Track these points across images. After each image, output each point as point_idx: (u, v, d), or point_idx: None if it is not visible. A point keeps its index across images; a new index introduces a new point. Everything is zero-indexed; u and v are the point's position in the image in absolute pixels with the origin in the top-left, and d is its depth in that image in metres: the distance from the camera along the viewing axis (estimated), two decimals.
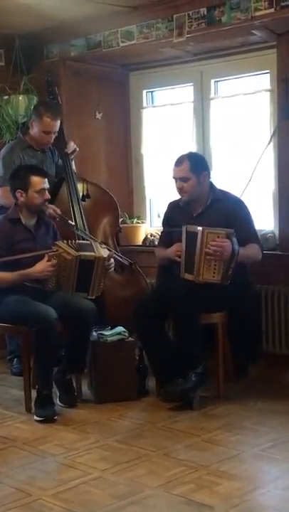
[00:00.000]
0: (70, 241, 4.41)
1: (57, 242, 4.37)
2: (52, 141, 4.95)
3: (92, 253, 4.33)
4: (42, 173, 4.42)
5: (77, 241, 4.48)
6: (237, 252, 4.10)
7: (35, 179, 4.32)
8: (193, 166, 4.33)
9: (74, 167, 5.12)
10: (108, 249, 4.55)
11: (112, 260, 4.50)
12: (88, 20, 5.03)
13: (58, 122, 4.90)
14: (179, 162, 4.37)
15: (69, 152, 5.05)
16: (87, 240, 4.61)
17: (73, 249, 4.29)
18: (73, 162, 5.12)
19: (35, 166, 4.63)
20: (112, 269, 4.54)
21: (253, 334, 4.53)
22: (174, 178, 4.41)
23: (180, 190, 4.39)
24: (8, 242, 4.30)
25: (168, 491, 3.10)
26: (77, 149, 5.10)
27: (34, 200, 4.32)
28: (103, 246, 4.53)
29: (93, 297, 4.35)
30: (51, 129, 4.87)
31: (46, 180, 4.39)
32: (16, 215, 4.39)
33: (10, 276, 4.23)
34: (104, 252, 4.41)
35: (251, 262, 4.38)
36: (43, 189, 4.34)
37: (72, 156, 5.10)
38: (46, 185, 4.38)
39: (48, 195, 4.38)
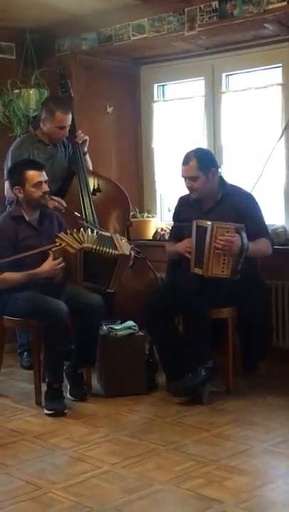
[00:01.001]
0: (81, 230, 4.37)
1: (59, 235, 4.33)
2: (67, 134, 4.97)
3: (116, 251, 4.34)
4: (37, 166, 4.38)
5: (100, 233, 4.47)
6: (246, 247, 4.10)
7: (31, 173, 4.30)
8: (201, 164, 4.31)
9: (89, 161, 5.13)
10: (128, 242, 4.55)
11: (133, 254, 4.50)
12: (99, 13, 5.02)
13: (70, 115, 4.93)
14: (187, 161, 4.34)
15: (79, 142, 5.06)
16: (102, 231, 4.59)
17: (77, 241, 4.29)
18: (87, 157, 5.12)
19: (31, 160, 4.63)
20: (132, 263, 4.54)
21: (263, 329, 4.54)
22: (182, 177, 4.40)
23: (190, 188, 4.39)
24: (13, 241, 4.28)
25: (177, 486, 3.11)
26: (87, 138, 5.10)
27: (32, 195, 4.30)
28: (124, 239, 4.52)
29: (112, 291, 4.39)
30: (65, 124, 4.90)
31: (43, 173, 4.36)
32: (19, 213, 4.37)
33: (19, 276, 4.22)
34: (126, 247, 4.41)
35: (261, 256, 4.38)
36: (40, 182, 4.30)
37: (86, 150, 5.10)
38: (43, 177, 4.34)
39: (45, 188, 4.33)
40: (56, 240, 4.29)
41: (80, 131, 5.07)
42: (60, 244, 4.25)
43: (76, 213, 4.67)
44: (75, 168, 5.02)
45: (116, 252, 4.34)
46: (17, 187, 4.33)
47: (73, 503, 2.97)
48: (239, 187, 4.52)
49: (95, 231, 4.48)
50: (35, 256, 4.24)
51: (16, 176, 4.36)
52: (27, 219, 4.37)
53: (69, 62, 5.37)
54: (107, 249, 4.34)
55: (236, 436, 3.69)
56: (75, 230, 4.39)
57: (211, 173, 4.33)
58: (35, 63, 5.45)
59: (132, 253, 4.51)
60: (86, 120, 5.37)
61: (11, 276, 4.23)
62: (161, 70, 5.62)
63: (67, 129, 4.94)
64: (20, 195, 4.33)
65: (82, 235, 4.35)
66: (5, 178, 4.93)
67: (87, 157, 5.13)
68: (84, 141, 5.09)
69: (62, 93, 5.14)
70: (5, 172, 4.96)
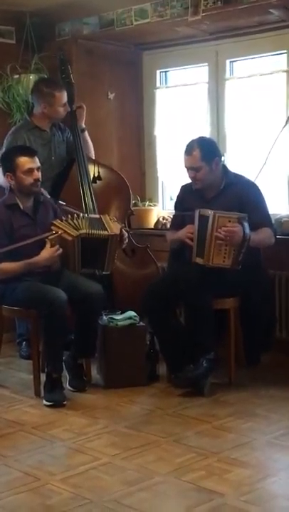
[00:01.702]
0: (74, 216, 4.36)
1: (55, 222, 4.30)
2: (69, 108, 5.02)
3: (105, 231, 4.32)
4: (29, 152, 4.35)
5: (88, 215, 4.45)
6: (248, 237, 4.10)
7: (22, 159, 4.27)
8: (204, 154, 4.28)
9: (88, 140, 5.11)
10: (118, 222, 4.54)
11: (125, 233, 4.49)
12: None
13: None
14: (189, 151, 4.32)
15: (75, 108, 5.06)
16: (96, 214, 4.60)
17: (73, 228, 4.28)
18: (86, 135, 5.09)
19: (23, 146, 4.63)
20: (126, 243, 4.51)
21: (266, 320, 4.53)
22: (185, 167, 4.38)
23: (193, 179, 4.37)
24: (8, 231, 4.27)
25: (178, 478, 3.12)
26: (83, 106, 5.10)
27: (23, 181, 4.27)
28: (113, 219, 4.51)
29: (108, 272, 4.40)
30: (65, 100, 4.98)
31: (36, 159, 4.33)
32: (13, 201, 4.34)
33: (16, 266, 4.20)
34: (116, 227, 4.40)
35: (264, 246, 4.38)
36: (31, 169, 4.26)
37: (83, 126, 5.08)
38: (35, 164, 4.30)
39: (37, 175, 4.29)
40: (52, 227, 4.27)
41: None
42: (56, 232, 4.24)
43: (72, 209, 4.64)
44: (75, 155, 5.01)
45: (106, 232, 4.33)
46: (9, 173, 4.31)
47: (72, 494, 2.98)
48: (242, 176, 4.51)
49: (84, 215, 4.45)
50: (32, 245, 4.23)
51: (8, 163, 4.34)
52: (21, 207, 4.34)
53: (70, 47, 5.36)
54: (99, 231, 4.32)
55: (238, 429, 3.69)
56: (69, 216, 4.37)
57: (214, 163, 4.31)
58: (35, 48, 5.43)
59: (124, 232, 4.49)
60: (87, 106, 5.33)
61: (8, 266, 4.22)
62: (164, 56, 5.60)
63: (67, 104, 5.00)
64: (12, 182, 4.31)
65: (77, 220, 4.33)
66: None
67: (87, 135, 5.11)
68: (80, 108, 5.07)
69: (63, 79, 5.13)
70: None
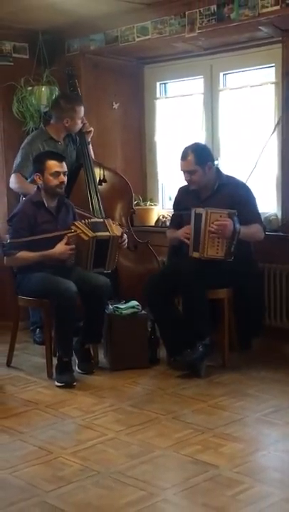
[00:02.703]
0: (86, 220, 4.40)
1: (75, 222, 4.35)
2: (85, 121, 5.02)
3: (107, 232, 4.33)
4: (58, 158, 4.37)
5: (91, 220, 4.46)
6: (238, 230, 4.11)
7: (51, 162, 4.30)
8: (198, 159, 4.29)
9: (91, 151, 5.10)
10: (120, 226, 4.54)
11: (125, 237, 4.49)
12: (106, 16, 4.98)
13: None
14: (184, 156, 4.33)
15: (86, 130, 5.04)
16: (100, 218, 4.60)
17: (90, 230, 4.29)
18: (90, 146, 5.09)
19: (54, 151, 4.61)
20: (126, 245, 4.52)
21: (256, 309, 4.54)
22: (181, 170, 4.38)
23: (189, 181, 4.39)
24: (31, 224, 4.30)
25: (176, 452, 3.13)
26: (92, 130, 5.08)
27: (49, 182, 4.30)
28: (116, 223, 4.52)
29: (109, 271, 4.38)
30: (83, 113, 4.98)
31: (63, 164, 4.35)
32: (39, 198, 4.38)
33: (33, 255, 4.23)
34: (117, 230, 4.40)
35: (253, 240, 4.38)
36: (58, 172, 4.28)
37: (89, 140, 5.07)
38: (62, 168, 4.32)
39: (62, 178, 4.31)
40: (72, 227, 4.30)
41: (87, 123, 5.07)
42: (75, 231, 4.25)
43: (84, 213, 4.65)
44: (82, 160, 5.00)
45: (107, 233, 4.33)
46: (38, 174, 4.33)
47: (81, 466, 2.99)
48: (234, 177, 4.50)
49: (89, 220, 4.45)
50: (50, 240, 4.24)
51: (38, 164, 4.37)
52: (46, 205, 4.36)
53: (78, 62, 5.34)
54: (103, 233, 4.32)
55: (231, 407, 3.70)
56: (88, 220, 4.39)
57: (207, 167, 4.32)
58: (46, 62, 5.41)
59: (125, 236, 4.48)
60: (94, 115, 5.35)
61: (26, 255, 4.24)
62: (164, 69, 5.58)
63: (84, 117, 5.01)
64: (40, 182, 4.33)
65: (88, 222, 4.35)
66: (13, 170, 4.92)
67: (90, 147, 5.11)
68: (89, 132, 5.06)
69: (71, 92, 5.13)
70: (14, 164, 4.95)
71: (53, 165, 4.30)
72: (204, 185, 4.38)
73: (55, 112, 5.00)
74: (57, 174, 4.29)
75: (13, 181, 4.94)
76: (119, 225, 4.60)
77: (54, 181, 4.30)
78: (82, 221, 4.37)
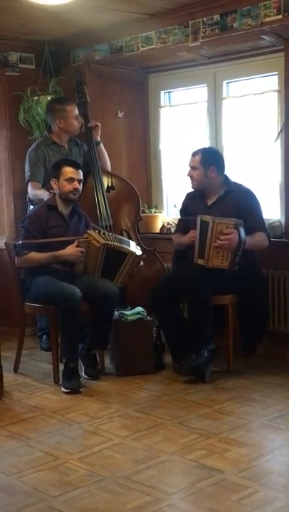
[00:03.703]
0: (103, 232, 4.42)
1: (88, 231, 4.37)
2: (82, 121, 5.02)
3: (128, 247, 4.38)
4: (74, 165, 4.43)
5: (116, 235, 4.50)
6: (244, 241, 4.10)
7: (66, 169, 4.35)
8: (204, 160, 4.38)
9: (104, 151, 5.10)
10: (141, 251, 4.55)
11: (142, 263, 4.50)
12: (111, 26, 5.00)
13: (75, 104, 5.01)
14: (194, 153, 4.45)
15: (90, 126, 5.04)
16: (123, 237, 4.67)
17: (103, 238, 4.30)
18: (102, 146, 5.07)
19: (71, 159, 4.65)
20: (140, 269, 4.50)
21: (260, 314, 4.52)
22: (188, 165, 4.45)
23: (190, 177, 4.44)
24: (43, 226, 4.34)
25: (182, 456, 3.12)
26: (99, 124, 5.08)
27: (63, 188, 4.34)
28: (138, 247, 4.54)
29: (116, 286, 4.36)
30: (76, 112, 4.98)
31: (79, 172, 4.39)
32: (53, 202, 4.42)
33: (42, 256, 4.27)
34: (137, 252, 4.43)
35: (258, 249, 4.37)
36: (72, 178, 4.33)
37: (98, 139, 5.06)
38: (77, 176, 4.37)
39: (76, 185, 4.35)
40: (84, 234, 4.32)
41: (93, 120, 5.09)
42: (87, 237, 4.27)
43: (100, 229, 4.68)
44: (91, 168, 5.01)
45: (128, 248, 4.36)
46: (54, 179, 4.39)
47: (88, 472, 2.99)
48: (241, 184, 4.51)
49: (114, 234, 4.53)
50: (61, 244, 4.27)
51: (55, 170, 4.42)
52: (59, 210, 4.39)
53: (83, 71, 5.34)
54: (122, 245, 4.36)
55: (236, 412, 3.69)
56: (102, 230, 4.44)
57: (210, 170, 4.36)
58: (52, 72, 5.43)
59: (142, 261, 4.48)
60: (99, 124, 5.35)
61: (36, 255, 4.28)
62: (168, 78, 5.59)
63: (79, 116, 4.99)
64: (55, 187, 4.37)
65: (107, 234, 4.39)
66: (27, 180, 4.95)
67: (102, 147, 5.11)
68: (95, 127, 5.06)
69: (79, 98, 5.12)
70: (26, 174, 4.98)
71: (68, 171, 4.35)
72: (207, 188, 4.42)
73: (50, 116, 5.05)
74: (71, 180, 4.33)
75: (29, 191, 4.98)
76: (141, 249, 4.58)
77: (68, 187, 4.33)
78: (97, 231, 4.39)
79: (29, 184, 4.93)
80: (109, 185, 5.06)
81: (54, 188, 4.40)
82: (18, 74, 5.46)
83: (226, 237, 4.08)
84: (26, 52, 5.49)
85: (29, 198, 5.00)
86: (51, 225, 4.35)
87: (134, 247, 4.45)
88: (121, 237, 4.56)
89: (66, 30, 5.11)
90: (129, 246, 4.43)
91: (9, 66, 5.43)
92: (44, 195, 4.67)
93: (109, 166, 5.17)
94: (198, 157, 4.40)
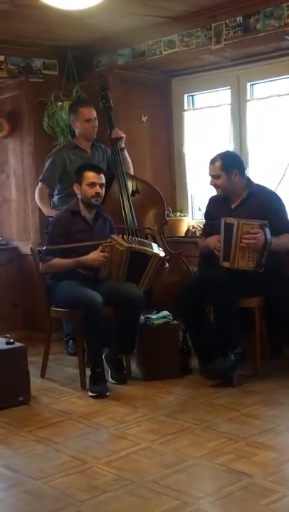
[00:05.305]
0: (127, 236, 4.44)
1: (112, 235, 4.38)
2: (96, 127, 5.00)
3: (151, 249, 4.37)
4: (96, 169, 4.42)
5: (138, 238, 4.51)
6: (270, 242, 4.07)
7: (88, 173, 4.36)
8: (224, 165, 4.31)
9: (127, 157, 5.11)
10: (164, 253, 4.55)
11: (168, 264, 4.48)
12: (133, 31, 5.02)
13: (93, 108, 4.99)
14: (213, 161, 4.37)
15: (113, 137, 5.06)
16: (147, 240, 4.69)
17: (126, 242, 4.31)
18: (125, 152, 5.10)
19: (93, 164, 4.65)
20: (167, 270, 4.48)
21: (287, 317, 4.49)
22: (209, 175, 4.41)
23: (214, 185, 4.40)
24: (67, 232, 4.35)
25: (210, 461, 3.11)
26: (123, 136, 5.09)
27: (85, 192, 4.34)
28: (161, 249, 4.54)
29: (142, 289, 4.35)
30: (90, 116, 4.96)
31: (101, 176, 4.39)
32: (77, 208, 4.43)
33: (67, 262, 4.28)
34: (161, 253, 4.43)
35: (285, 250, 4.34)
36: (94, 182, 4.33)
37: (123, 145, 5.09)
38: (99, 180, 4.37)
39: (98, 190, 4.35)
40: (108, 239, 4.33)
41: (116, 129, 5.09)
42: (110, 242, 4.28)
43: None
44: (115, 172, 5.03)
45: (151, 251, 4.36)
46: (76, 184, 4.40)
47: (115, 476, 2.99)
48: (265, 186, 4.49)
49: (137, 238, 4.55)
50: (85, 249, 4.27)
51: (77, 175, 4.43)
52: (83, 214, 4.40)
53: (106, 76, 5.38)
54: (146, 248, 4.37)
55: (264, 416, 3.66)
56: (126, 235, 4.46)
57: (233, 174, 4.32)
58: (76, 78, 5.47)
59: (167, 263, 4.47)
60: (123, 128, 5.35)
61: (60, 261, 4.30)
62: (191, 81, 5.60)
63: (95, 122, 4.98)
64: (78, 192, 4.38)
65: (132, 239, 4.41)
66: (38, 179, 5.03)
67: (126, 153, 5.12)
68: (119, 138, 5.07)
69: (103, 104, 5.14)
70: (40, 175, 5.04)
71: (90, 175, 4.35)
72: (231, 192, 4.38)
73: (70, 120, 5.07)
74: (93, 184, 4.33)
75: (36, 192, 5.05)
76: (164, 251, 4.58)
77: (90, 191, 4.33)
78: (120, 235, 4.40)
79: (39, 185, 5.01)
80: (134, 189, 5.07)
81: (76, 193, 4.41)
82: (41, 80, 5.50)
83: (252, 235, 4.06)
84: (50, 58, 5.53)
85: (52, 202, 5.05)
86: (75, 230, 4.36)
87: (157, 249, 4.45)
88: (143, 240, 4.56)
89: (89, 35, 5.15)
90: (152, 248, 4.42)
91: (33, 73, 5.48)
92: (44, 209, 4.84)
93: (132, 171, 5.18)
94: (218, 163, 4.33)
